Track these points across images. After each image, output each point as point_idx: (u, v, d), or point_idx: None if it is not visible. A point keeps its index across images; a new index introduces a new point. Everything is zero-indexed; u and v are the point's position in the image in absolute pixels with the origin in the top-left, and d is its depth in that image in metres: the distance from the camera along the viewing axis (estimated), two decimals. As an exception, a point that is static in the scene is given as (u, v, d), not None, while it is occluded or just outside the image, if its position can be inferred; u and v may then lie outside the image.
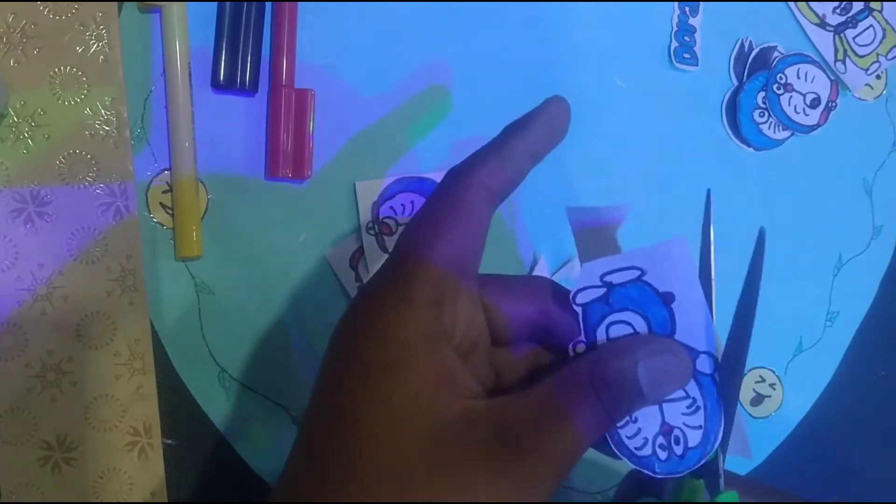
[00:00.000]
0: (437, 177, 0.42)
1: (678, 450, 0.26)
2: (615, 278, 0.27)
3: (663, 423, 0.26)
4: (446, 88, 0.42)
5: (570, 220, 0.30)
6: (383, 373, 0.24)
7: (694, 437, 0.26)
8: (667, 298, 0.27)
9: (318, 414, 0.25)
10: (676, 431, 0.26)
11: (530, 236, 0.44)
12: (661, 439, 0.26)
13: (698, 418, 0.26)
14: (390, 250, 0.40)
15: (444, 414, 0.24)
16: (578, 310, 0.27)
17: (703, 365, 0.27)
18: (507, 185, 0.27)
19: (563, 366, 0.26)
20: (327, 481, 0.23)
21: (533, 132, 0.28)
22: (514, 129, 0.28)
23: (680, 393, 0.26)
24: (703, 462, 0.26)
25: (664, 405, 0.27)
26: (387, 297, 0.25)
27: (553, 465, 0.24)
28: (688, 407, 0.27)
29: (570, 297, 0.27)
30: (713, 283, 0.28)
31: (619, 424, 0.26)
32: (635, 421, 0.26)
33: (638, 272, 0.27)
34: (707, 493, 0.28)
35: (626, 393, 0.25)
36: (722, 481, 0.28)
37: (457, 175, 0.26)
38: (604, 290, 0.27)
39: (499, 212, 0.43)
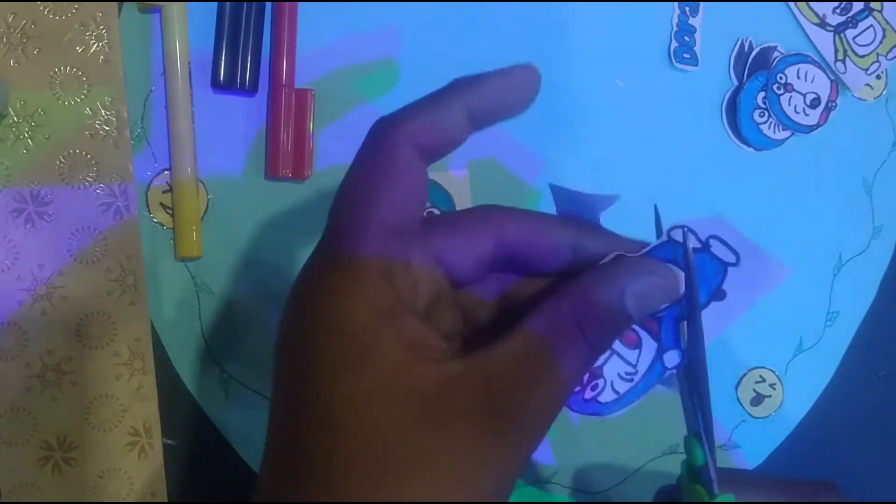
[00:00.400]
0: (437, 176, 0.42)
1: (587, 394, 0.26)
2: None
3: (598, 367, 0.26)
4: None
5: (555, 199, 0.29)
6: (347, 365, 0.22)
7: (608, 396, 0.26)
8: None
9: (288, 411, 0.23)
10: (600, 381, 0.26)
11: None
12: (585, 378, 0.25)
13: (623, 387, 0.26)
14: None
15: (421, 387, 0.22)
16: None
17: (669, 360, 0.26)
18: (440, 144, 0.24)
19: (542, 305, 0.24)
20: (311, 479, 0.22)
21: (478, 93, 0.26)
22: (458, 86, 0.26)
23: (633, 358, 0.26)
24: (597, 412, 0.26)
25: (614, 356, 0.26)
26: (332, 279, 0.23)
27: (543, 415, 0.23)
28: (626, 373, 0.26)
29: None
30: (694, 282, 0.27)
31: None
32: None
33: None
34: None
35: (614, 323, 0.24)
36: (715, 486, 0.28)
37: (385, 130, 0.24)
38: None
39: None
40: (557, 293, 0.24)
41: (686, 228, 0.26)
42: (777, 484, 0.33)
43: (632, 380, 0.26)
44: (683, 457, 0.29)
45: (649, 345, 0.26)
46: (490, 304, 0.27)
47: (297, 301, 0.24)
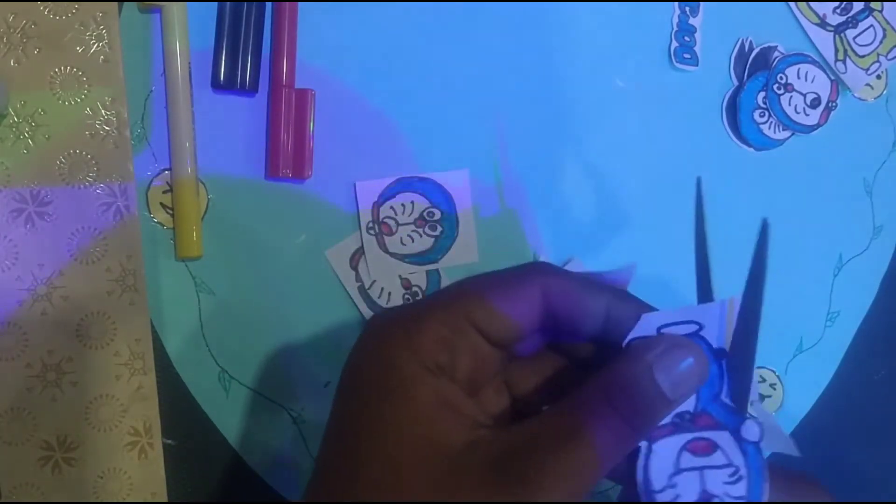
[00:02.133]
0: (438, 177, 0.42)
1: None
2: (672, 331, 0.26)
3: (703, 491, 0.26)
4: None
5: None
6: (384, 398, 0.24)
7: None
8: (719, 354, 0.26)
9: (329, 433, 0.26)
10: (716, 500, 0.26)
11: (530, 236, 0.44)
12: None
13: (740, 488, 0.26)
14: (390, 250, 0.40)
15: (447, 440, 0.24)
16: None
17: (749, 432, 0.26)
18: (567, 315, 0.27)
19: (578, 387, 0.25)
20: (332, 498, 0.24)
21: (620, 302, 0.27)
22: (612, 289, 0.28)
23: (722, 460, 0.26)
24: None
25: (705, 472, 0.26)
26: (397, 327, 0.26)
27: (567, 487, 0.23)
28: (730, 476, 0.26)
29: (623, 345, 0.26)
30: (711, 279, 0.27)
31: (657, 493, 0.25)
32: (674, 486, 0.26)
33: (696, 326, 0.26)
34: None
35: (645, 398, 0.24)
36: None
37: (534, 266, 0.27)
38: None
39: (499, 211, 0.43)
40: (591, 376, 0.25)
41: (766, 222, 0.26)
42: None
43: (739, 476, 0.26)
44: None
45: (721, 437, 0.26)
46: (534, 379, 0.29)
47: (361, 339, 0.27)
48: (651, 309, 0.27)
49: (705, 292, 0.28)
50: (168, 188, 0.39)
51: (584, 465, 0.24)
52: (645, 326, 0.26)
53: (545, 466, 0.23)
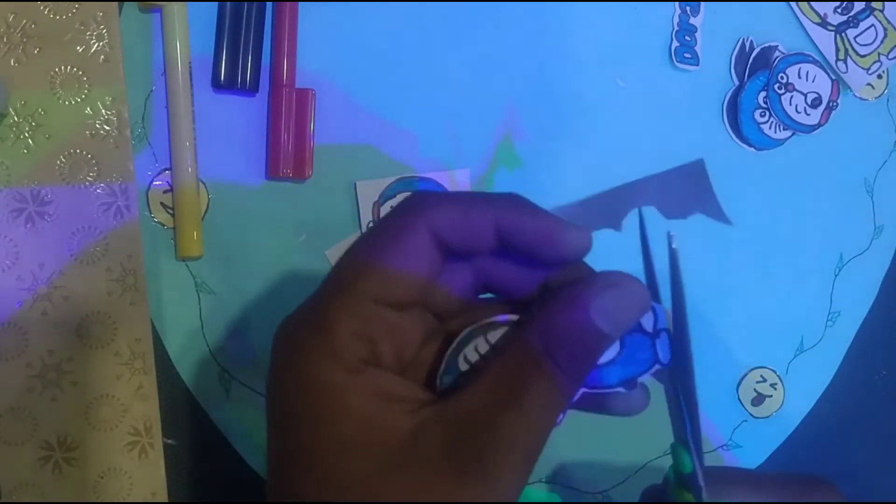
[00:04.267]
0: (438, 176, 0.42)
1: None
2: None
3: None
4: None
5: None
6: (313, 419, 0.23)
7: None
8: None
9: (270, 458, 0.24)
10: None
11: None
12: None
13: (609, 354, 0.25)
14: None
15: (393, 437, 0.23)
16: None
17: (664, 354, 0.26)
18: (460, 244, 0.24)
19: (509, 344, 0.24)
20: None
21: (516, 222, 0.25)
22: (501, 202, 0.25)
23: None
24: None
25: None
26: (307, 336, 0.24)
27: (516, 451, 0.22)
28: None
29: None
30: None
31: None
32: None
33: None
34: None
35: (586, 345, 0.23)
36: (704, 494, 0.27)
37: (412, 210, 0.24)
38: None
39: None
40: (523, 326, 0.24)
41: (671, 235, 0.25)
42: (769, 480, 0.32)
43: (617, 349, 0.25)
44: (669, 468, 0.29)
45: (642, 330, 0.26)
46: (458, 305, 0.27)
47: (275, 353, 0.25)
48: (556, 219, 0.25)
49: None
50: (168, 188, 0.39)
51: (534, 427, 0.23)
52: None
53: (497, 440, 0.22)
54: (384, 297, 0.24)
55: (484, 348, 0.25)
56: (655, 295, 0.26)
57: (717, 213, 0.45)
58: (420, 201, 0.24)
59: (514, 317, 0.25)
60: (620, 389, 0.25)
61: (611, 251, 0.44)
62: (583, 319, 0.23)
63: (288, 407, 0.24)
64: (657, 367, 0.25)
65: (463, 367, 0.25)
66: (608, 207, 0.44)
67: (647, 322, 0.25)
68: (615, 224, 0.44)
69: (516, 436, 0.22)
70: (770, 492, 0.31)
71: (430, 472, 0.22)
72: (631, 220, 0.44)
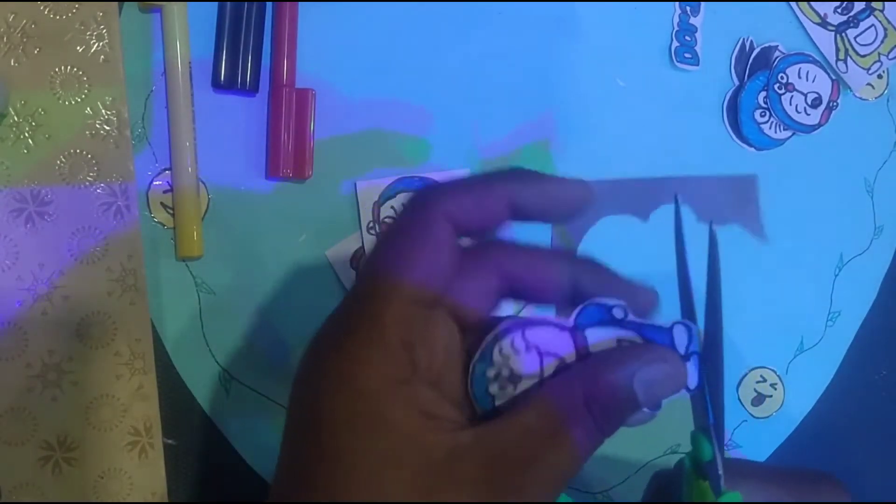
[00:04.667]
0: (438, 177, 0.42)
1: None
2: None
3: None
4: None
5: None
6: (357, 429, 0.22)
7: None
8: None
9: (294, 465, 0.24)
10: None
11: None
12: None
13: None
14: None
15: (429, 456, 0.22)
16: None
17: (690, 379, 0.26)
18: (477, 226, 0.25)
19: (554, 381, 0.25)
20: None
21: (526, 192, 0.25)
22: (508, 177, 0.26)
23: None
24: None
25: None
26: (352, 342, 0.23)
27: (548, 490, 0.23)
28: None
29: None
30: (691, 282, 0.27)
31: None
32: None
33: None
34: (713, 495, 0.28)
35: (622, 407, 0.24)
36: (722, 482, 0.28)
37: (424, 204, 0.24)
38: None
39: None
40: (570, 371, 0.25)
41: (712, 225, 0.26)
42: (776, 474, 0.33)
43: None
44: (684, 456, 0.29)
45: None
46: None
47: (315, 357, 0.24)
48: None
49: (688, 307, 0.27)
50: (169, 188, 0.39)
51: (566, 468, 0.24)
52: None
53: (530, 478, 0.23)
54: (419, 297, 0.24)
55: (521, 344, 0.25)
56: (690, 307, 0.27)
57: (757, 230, 0.45)
58: (434, 193, 0.25)
59: (555, 320, 0.25)
60: (645, 410, 0.26)
61: (640, 244, 0.44)
62: (625, 383, 0.24)
63: (327, 412, 0.23)
64: (683, 392, 0.26)
65: (497, 358, 0.25)
66: (640, 195, 0.44)
67: (680, 342, 0.26)
68: (643, 214, 0.44)
69: (553, 476, 0.23)
70: (779, 485, 0.32)
71: (466, 497, 0.22)
72: (661, 215, 0.44)
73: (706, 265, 0.26)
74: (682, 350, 0.26)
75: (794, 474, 0.33)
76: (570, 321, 0.26)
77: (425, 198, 0.25)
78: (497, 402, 0.25)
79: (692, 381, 0.26)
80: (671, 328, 0.26)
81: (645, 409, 0.25)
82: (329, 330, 0.25)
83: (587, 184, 0.26)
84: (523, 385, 0.25)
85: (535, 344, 0.25)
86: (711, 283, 0.26)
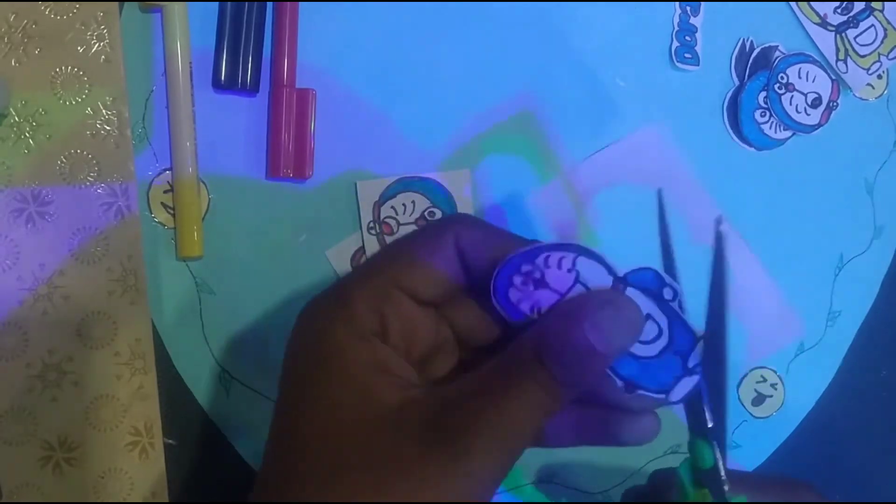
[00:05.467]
0: (439, 176, 0.42)
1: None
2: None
3: None
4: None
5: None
6: (316, 369, 0.25)
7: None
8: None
9: (274, 413, 0.27)
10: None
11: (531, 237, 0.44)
12: None
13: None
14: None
15: (381, 402, 0.24)
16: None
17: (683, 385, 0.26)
18: (477, 259, 0.27)
19: (513, 340, 0.25)
20: (272, 479, 0.25)
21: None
22: (519, 240, 0.28)
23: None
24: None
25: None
26: (328, 302, 0.27)
27: (491, 439, 0.23)
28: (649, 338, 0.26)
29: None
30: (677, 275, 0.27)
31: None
32: None
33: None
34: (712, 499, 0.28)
35: (576, 355, 0.24)
36: (726, 487, 0.27)
37: (451, 217, 0.28)
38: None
39: (499, 213, 0.43)
40: (524, 332, 0.25)
41: (720, 218, 0.26)
42: (755, 480, 0.33)
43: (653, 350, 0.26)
44: (682, 458, 0.29)
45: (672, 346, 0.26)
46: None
47: (299, 319, 0.27)
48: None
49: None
50: (169, 188, 0.39)
51: (514, 421, 0.24)
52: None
53: (474, 423, 0.23)
54: (405, 286, 0.26)
55: (567, 264, 0.26)
56: (672, 272, 0.27)
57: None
58: (453, 217, 0.29)
59: (608, 261, 0.26)
60: (661, 396, 0.26)
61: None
62: (575, 332, 0.24)
63: (299, 364, 0.26)
64: (663, 397, 0.26)
65: (540, 262, 0.26)
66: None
67: (696, 357, 0.26)
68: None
69: (494, 425, 0.23)
70: (755, 490, 0.32)
71: (406, 443, 0.23)
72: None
73: (711, 266, 0.26)
74: (692, 361, 0.26)
75: (769, 480, 0.33)
76: (622, 272, 0.26)
77: (445, 217, 0.29)
78: (512, 298, 0.26)
79: (678, 393, 0.26)
80: (700, 338, 0.26)
81: (661, 396, 0.25)
82: (317, 297, 0.28)
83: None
84: (543, 295, 0.26)
85: (578, 270, 0.26)
86: (716, 283, 0.26)
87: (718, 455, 0.27)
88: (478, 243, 0.27)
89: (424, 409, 0.24)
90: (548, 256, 0.26)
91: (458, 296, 0.28)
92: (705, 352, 0.26)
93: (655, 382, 0.26)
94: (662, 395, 0.26)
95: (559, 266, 0.26)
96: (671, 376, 0.26)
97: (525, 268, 0.26)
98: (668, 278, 0.26)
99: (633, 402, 0.27)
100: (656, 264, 0.27)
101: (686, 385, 0.26)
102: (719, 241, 0.26)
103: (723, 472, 0.27)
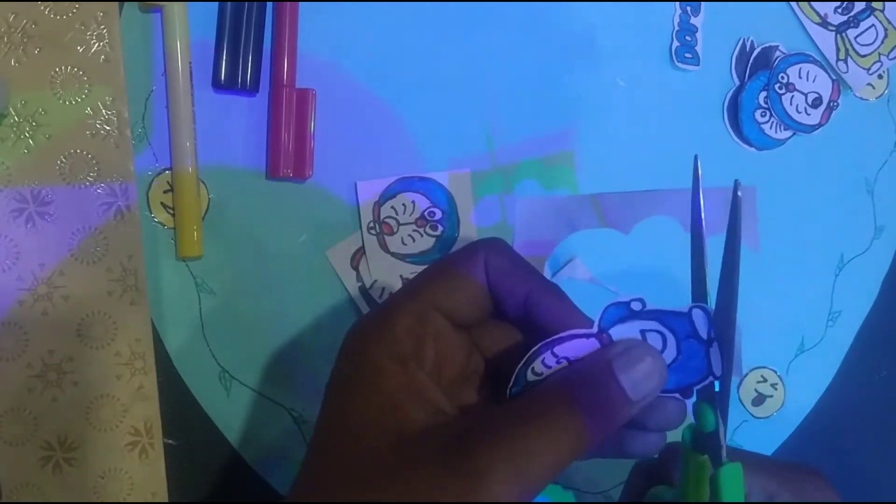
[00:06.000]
0: (439, 176, 0.42)
1: None
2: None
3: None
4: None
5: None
6: (353, 389, 0.26)
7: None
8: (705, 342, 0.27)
9: (315, 425, 0.28)
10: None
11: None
12: None
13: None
14: (391, 250, 0.40)
15: (408, 425, 0.25)
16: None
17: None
18: (500, 287, 0.28)
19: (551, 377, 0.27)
20: (303, 488, 0.26)
21: (544, 295, 0.29)
22: (539, 277, 0.29)
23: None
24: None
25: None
26: (371, 324, 0.28)
27: (509, 463, 0.24)
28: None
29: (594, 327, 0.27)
30: (705, 246, 0.28)
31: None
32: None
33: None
34: (711, 468, 0.28)
35: (605, 393, 0.25)
36: (724, 452, 0.28)
37: (483, 241, 0.29)
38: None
39: (499, 220, 0.43)
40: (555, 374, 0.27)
41: (737, 184, 0.27)
42: (761, 460, 0.33)
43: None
44: (684, 429, 0.29)
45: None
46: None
47: (345, 340, 0.28)
48: (576, 309, 0.28)
49: (700, 281, 0.28)
50: (169, 188, 0.39)
51: (536, 454, 0.24)
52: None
53: (494, 451, 0.24)
54: (443, 306, 0.28)
55: (552, 361, 0.27)
56: (703, 287, 0.28)
57: (752, 242, 0.46)
58: (491, 241, 0.29)
59: (580, 331, 0.27)
60: (677, 396, 0.27)
61: (621, 255, 0.44)
62: (603, 368, 0.26)
63: (340, 380, 0.27)
64: (710, 378, 0.27)
65: (531, 377, 0.27)
66: (622, 209, 0.44)
67: (701, 324, 0.27)
68: (625, 228, 0.44)
69: (515, 450, 0.24)
70: (760, 470, 0.32)
71: (427, 463, 0.24)
72: (644, 226, 0.44)
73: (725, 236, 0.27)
74: (703, 333, 0.27)
75: (779, 464, 0.33)
76: (595, 327, 0.27)
77: (477, 241, 0.29)
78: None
79: (717, 366, 0.27)
80: (689, 312, 0.27)
81: (677, 396, 0.27)
82: (367, 315, 0.29)
83: (591, 322, 0.28)
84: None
85: (564, 356, 0.27)
86: (731, 240, 0.28)
87: (720, 420, 0.28)
88: (506, 270, 0.28)
89: (449, 432, 0.25)
90: (533, 370, 0.27)
91: (488, 321, 0.29)
92: (716, 315, 0.27)
93: (697, 372, 0.27)
94: (710, 377, 0.27)
95: (547, 367, 0.27)
96: (701, 359, 0.27)
97: (517, 387, 0.27)
98: (626, 297, 0.27)
99: (650, 422, 0.27)
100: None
101: (716, 355, 0.27)
102: (736, 202, 0.27)
103: (722, 437, 0.28)
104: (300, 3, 0.40)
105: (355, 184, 0.41)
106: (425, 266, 0.30)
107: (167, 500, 0.39)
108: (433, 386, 0.27)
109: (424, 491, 0.24)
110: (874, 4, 0.47)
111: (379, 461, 0.25)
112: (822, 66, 0.47)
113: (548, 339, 0.27)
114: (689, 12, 0.45)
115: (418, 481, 0.24)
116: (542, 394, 0.26)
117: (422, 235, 0.42)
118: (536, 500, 0.45)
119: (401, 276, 0.42)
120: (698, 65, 0.45)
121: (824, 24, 0.47)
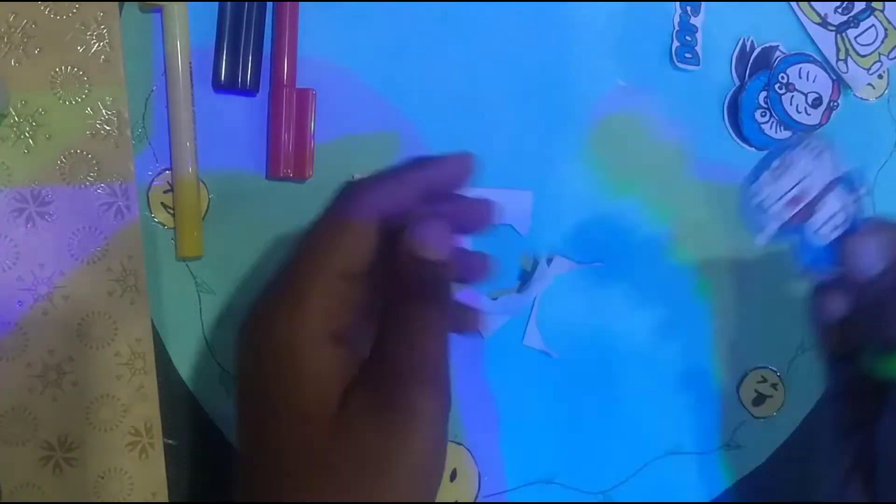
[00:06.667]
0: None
1: None
2: None
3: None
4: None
5: None
6: (277, 382, 0.27)
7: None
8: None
9: (236, 417, 0.29)
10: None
11: (527, 235, 0.44)
12: None
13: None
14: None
15: (328, 409, 0.27)
16: None
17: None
18: (396, 211, 0.29)
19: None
20: (241, 487, 0.28)
21: (430, 175, 0.30)
22: (414, 166, 0.30)
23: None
24: None
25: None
26: (284, 310, 0.28)
27: (418, 372, 0.27)
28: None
29: None
30: None
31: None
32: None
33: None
34: None
35: (410, 268, 0.28)
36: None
37: (351, 195, 0.30)
38: None
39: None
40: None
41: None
42: None
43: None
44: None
45: None
46: None
47: (254, 313, 0.29)
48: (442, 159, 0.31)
49: None
50: (169, 188, 0.39)
51: (418, 347, 0.27)
52: None
53: (398, 380, 0.26)
54: (345, 271, 0.28)
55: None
56: None
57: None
58: (357, 187, 0.30)
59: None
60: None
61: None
62: (401, 249, 0.28)
63: (261, 370, 0.28)
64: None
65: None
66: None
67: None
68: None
69: (410, 359, 0.26)
70: None
71: (359, 429, 0.26)
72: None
73: None
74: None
75: None
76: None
77: (353, 190, 0.30)
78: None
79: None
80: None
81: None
82: (263, 301, 0.29)
83: (468, 155, 0.30)
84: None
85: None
86: None
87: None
88: (390, 204, 0.29)
89: (360, 393, 0.27)
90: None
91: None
92: None
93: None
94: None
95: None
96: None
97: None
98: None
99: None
100: None
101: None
102: None
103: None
104: (300, 3, 0.40)
105: (355, 184, 0.41)
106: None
107: (167, 500, 0.39)
108: (344, 357, 0.28)
109: (373, 441, 0.25)
110: (874, 4, 0.47)
111: (314, 449, 0.26)
112: (822, 66, 0.47)
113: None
114: (689, 12, 0.45)
115: (355, 444, 0.26)
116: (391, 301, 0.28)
117: (422, 235, 0.42)
118: (536, 500, 0.45)
119: (401, 276, 0.42)
120: (698, 65, 0.45)
121: (824, 24, 0.47)
